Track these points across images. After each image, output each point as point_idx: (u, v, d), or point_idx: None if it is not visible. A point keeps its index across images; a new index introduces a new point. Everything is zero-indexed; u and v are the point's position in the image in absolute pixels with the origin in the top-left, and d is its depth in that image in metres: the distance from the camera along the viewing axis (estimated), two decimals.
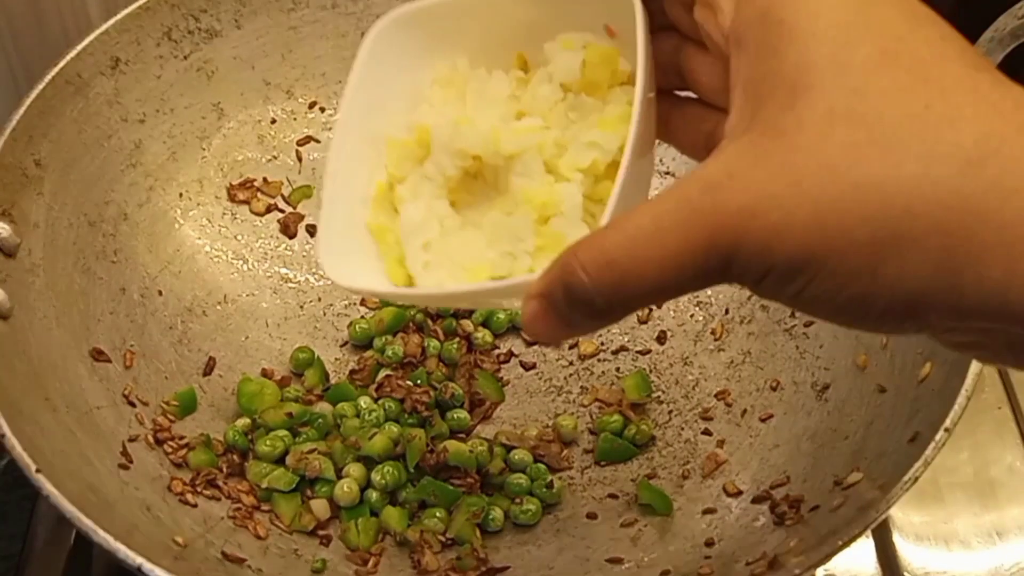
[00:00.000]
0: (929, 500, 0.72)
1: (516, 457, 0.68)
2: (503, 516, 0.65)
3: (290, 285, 0.76)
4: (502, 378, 0.73)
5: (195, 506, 0.62)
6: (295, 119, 0.78)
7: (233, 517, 0.63)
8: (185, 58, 0.74)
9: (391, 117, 0.47)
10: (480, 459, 0.66)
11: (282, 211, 0.77)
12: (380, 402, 0.69)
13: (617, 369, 0.73)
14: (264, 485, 0.65)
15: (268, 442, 0.66)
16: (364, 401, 0.69)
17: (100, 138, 0.70)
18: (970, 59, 0.34)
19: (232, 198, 0.76)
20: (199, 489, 0.63)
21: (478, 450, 0.67)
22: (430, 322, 0.74)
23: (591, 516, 0.66)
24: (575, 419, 0.70)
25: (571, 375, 0.74)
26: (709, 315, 0.73)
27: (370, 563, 0.63)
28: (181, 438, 0.66)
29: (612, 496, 0.67)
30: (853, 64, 0.34)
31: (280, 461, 0.66)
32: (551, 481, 0.66)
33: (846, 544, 0.53)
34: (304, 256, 0.77)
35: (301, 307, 0.75)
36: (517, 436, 0.69)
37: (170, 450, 0.65)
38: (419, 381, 0.70)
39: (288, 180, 0.78)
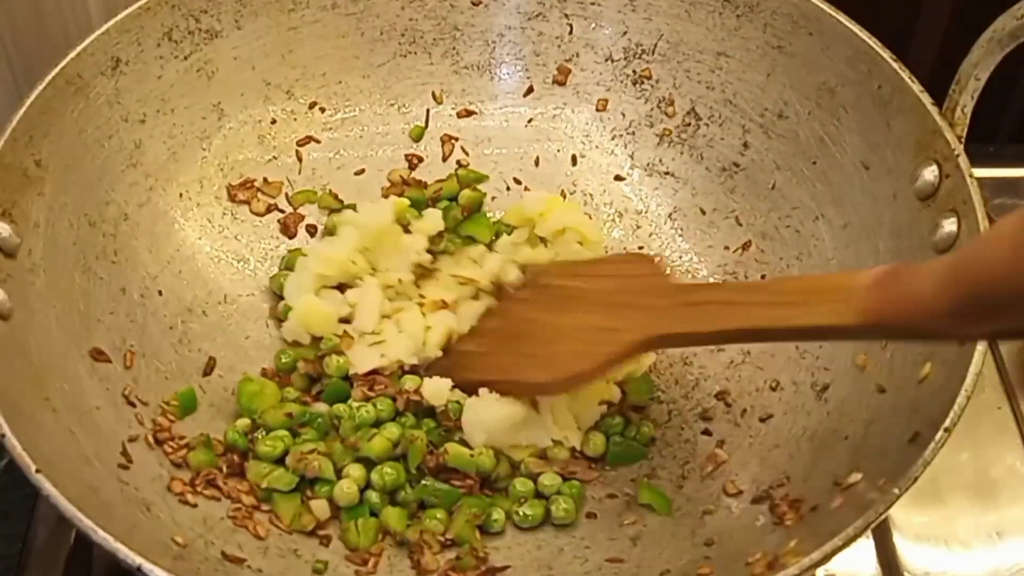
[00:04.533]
0: (929, 500, 0.72)
1: (546, 481, 0.66)
2: (504, 517, 0.65)
3: None
4: None
5: (195, 506, 0.62)
6: (295, 119, 0.78)
7: (233, 517, 0.63)
8: (185, 58, 0.74)
9: None
10: (480, 466, 0.66)
11: (282, 211, 0.77)
12: (372, 401, 0.68)
13: None
14: (264, 485, 0.65)
15: (268, 442, 0.66)
16: (357, 400, 0.69)
17: (101, 138, 0.70)
18: None
19: (232, 198, 0.76)
20: (199, 489, 0.63)
21: (479, 458, 0.66)
22: None
23: (591, 516, 0.66)
24: (603, 436, 0.69)
25: None
26: None
27: (370, 563, 0.63)
28: (181, 438, 0.66)
29: (612, 496, 0.67)
30: None
31: (280, 461, 0.66)
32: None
33: (846, 544, 0.53)
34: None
35: None
36: (543, 463, 0.68)
37: (170, 450, 0.65)
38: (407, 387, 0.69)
39: (288, 180, 0.78)
